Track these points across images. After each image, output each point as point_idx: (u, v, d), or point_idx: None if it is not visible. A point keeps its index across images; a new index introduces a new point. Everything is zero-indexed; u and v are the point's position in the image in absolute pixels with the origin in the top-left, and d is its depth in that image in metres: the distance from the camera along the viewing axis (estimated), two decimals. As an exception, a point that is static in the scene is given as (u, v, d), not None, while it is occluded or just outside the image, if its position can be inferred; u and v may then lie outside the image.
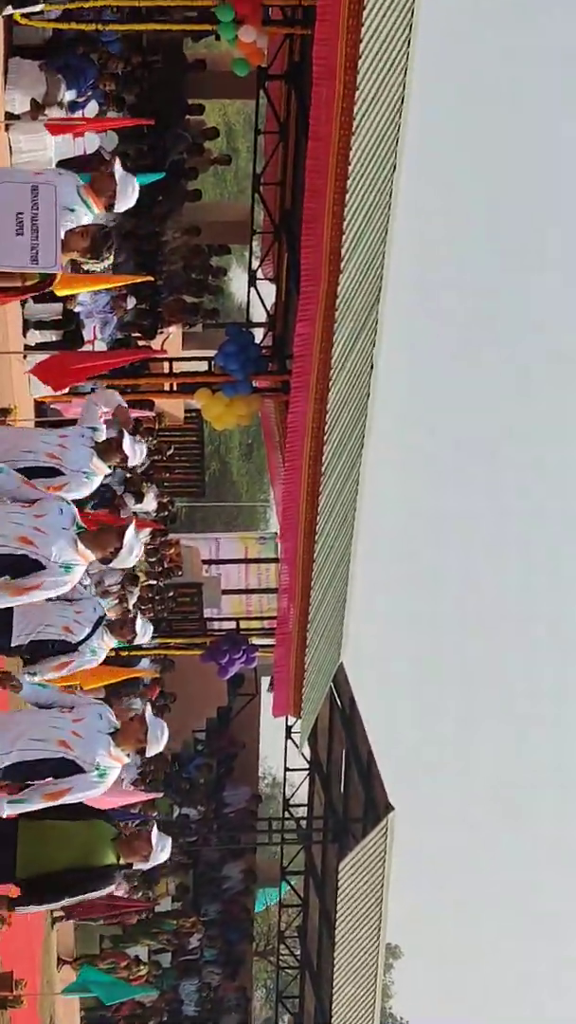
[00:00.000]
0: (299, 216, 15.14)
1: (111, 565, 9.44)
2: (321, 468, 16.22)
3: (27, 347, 17.25)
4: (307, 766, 27.45)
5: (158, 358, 18.67)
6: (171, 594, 25.83)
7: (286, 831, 28.55)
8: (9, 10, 15.51)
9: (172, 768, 29.38)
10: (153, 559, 24.56)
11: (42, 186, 8.24)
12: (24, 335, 17.44)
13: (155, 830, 9.26)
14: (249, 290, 20.12)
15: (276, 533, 28.60)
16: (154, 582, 24.53)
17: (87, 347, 18.41)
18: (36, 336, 18.06)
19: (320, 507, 16.61)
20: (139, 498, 22.38)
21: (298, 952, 29.83)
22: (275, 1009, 31.27)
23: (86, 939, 27.71)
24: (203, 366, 18.64)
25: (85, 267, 8.97)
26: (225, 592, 29.88)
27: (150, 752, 9.31)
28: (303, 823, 28.38)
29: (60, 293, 14.73)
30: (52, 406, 18.40)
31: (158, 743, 9.18)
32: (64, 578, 8.64)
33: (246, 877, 31.65)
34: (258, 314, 20.38)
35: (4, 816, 8.44)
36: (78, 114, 16.95)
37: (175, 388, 18.94)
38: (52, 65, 16.75)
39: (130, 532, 9.02)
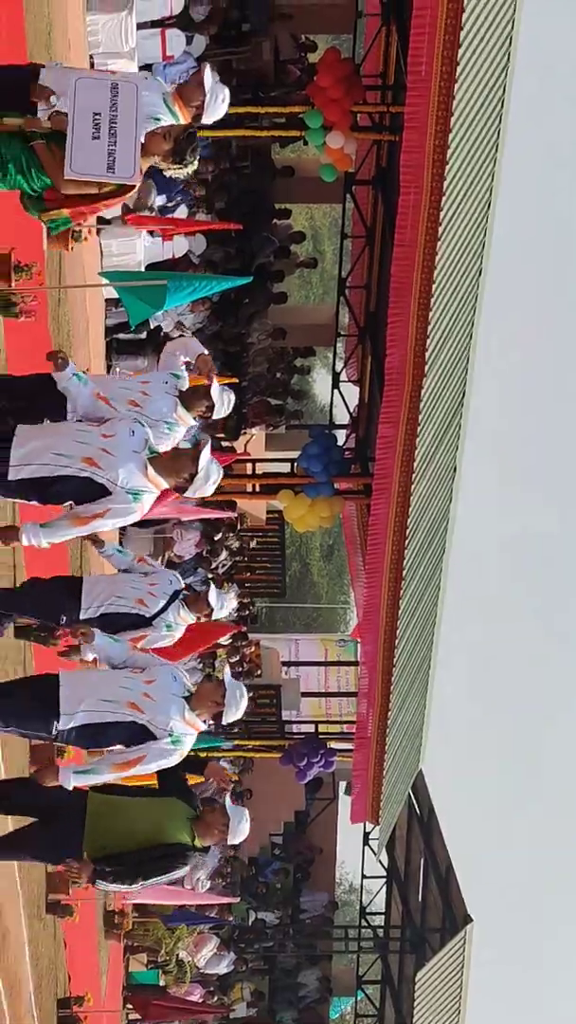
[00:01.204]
0: (384, 319, 15.16)
1: (186, 494, 8.25)
2: (402, 571, 16.11)
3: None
4: (384, 874, 27.07)
5: (241, 459, 18.71)
6: (250, 695, 25.69)
7: (363, 939, 28.13)
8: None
9: (249, 872, 29.16)
10: (233, 659, 24.51)
11: (122, 84, 7.38)
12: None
13: (228, 801, 8.45)
14: (333, 392, 20.17)
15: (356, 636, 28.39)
16: (233, 683, 24.38)
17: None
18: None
19: (401, 611, 16.47)
20: (220, 598, 22.34)
21: (374, 1063, 29.28)
22: None
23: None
24: (286, 467, 18.65)
25: (167, 172, 8.11)
26: (304, 694, 29.71)
27: (227, 718, 8.33)
28: (380, 931, 27.94)
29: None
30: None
31: (236, 707, 8.30)
32: (132, 506, 7.80)
33: (322, 985, 31.21)
34: (341, 416, 20.40)
35: (71, 788, 7.86)
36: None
37: (258, 489, 18.96)
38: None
39: (205, 455, 8.06)
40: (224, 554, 22.99)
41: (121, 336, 18.11)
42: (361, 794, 19.65)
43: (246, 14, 17.64)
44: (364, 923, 27.79)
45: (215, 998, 25.16)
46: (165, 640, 9.53)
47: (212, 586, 9.94)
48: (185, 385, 8.87)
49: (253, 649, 26.75)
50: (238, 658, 24.80)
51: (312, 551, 51.35)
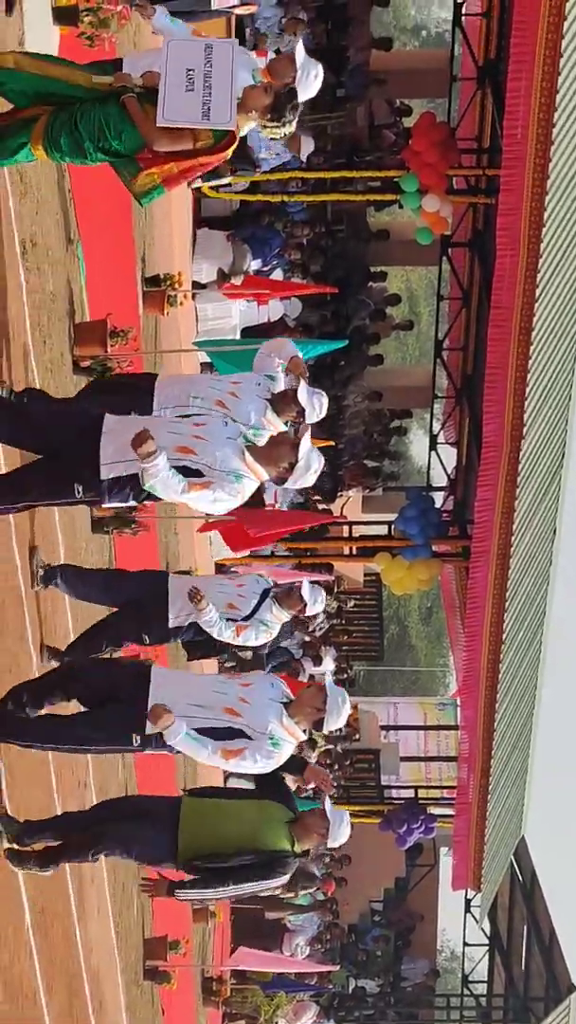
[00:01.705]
0: (481, 380, 15.11)
1: (286, 485, 7.82)
2: (502, 635, 15.96)
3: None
4: (487, 941, 26.72)
5: (338, 522, 18.67)
6: (348, 760, 25.55)
7: (465, 1008, 27.75)
8: (198, 183, 15.88)
9: (349, 939, 28.90)
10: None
11: (218, 44, 7.07)
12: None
13: (328, 803, 7.91)
14: (430, 454, 20.10)
15: (456, 699, 28.18)
16: (331, 747, 24.30)
17: (268, 510, 18.49)
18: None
19: (501, 675, 16.31)
20: (317, 661, 22.27)
21: None
22: None
23: None
24: (383, 530, 18.58)
25: (264, 132, 7.69)
26: (403, 759, 29.48)
27: (328, 726, 7.89)
28: (482, 1000, 27.57)
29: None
30: (232, 568, 18.46)
31: (338, 714, 7.82)
32: (235, 485, 7.30)
33: (424, 1053, 30.82)
34: (439, 478, 20.32)
35: (176, 740, 7.33)
36: (262, 284, 17.22)
37: (355, 552, 18.90)
38: (239, 235, 17.13)
39: (306, 443, 7.65)
40: (321, 617, 22.91)
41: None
42: (462, 860, 19.42)
43: (341, 79, 17.75)
44: (466, 991, 27.44)
45: (316, 1068, 24.87)
46: (263, 637, 9.24)
47: (305, 580, 9.49)
48: (278, 388, 8.48)
49: (351, 713, 26.59)
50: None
51: (410, 613, 51.12)
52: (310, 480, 7.89)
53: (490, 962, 27.11)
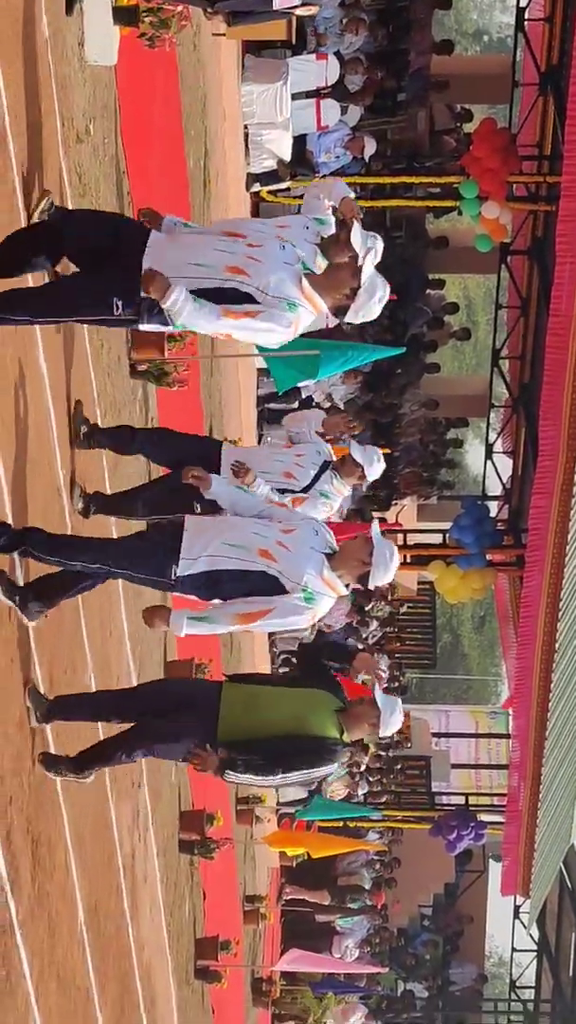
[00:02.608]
0: (538, 390, 15.11)
1: (347, 318, 7.01)
2: (555, 644, 15.94)
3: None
4: (535, 947, 26.70)
5: (393, 530, 18.71)
6: (399, 766, 25.57)
7: (512, 1012, 27.77)
8: (257, 187, 15.99)
9: (398, 942, 28.94)
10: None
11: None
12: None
13: (378, 691, 7.33)
14: (486, 463, 20.11)
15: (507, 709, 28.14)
16: (383, 753, 24.32)
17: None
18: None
19: (553, 684, 16.28)
20: (371, 668, 22.31)
21: None
22: None
23: None
24: (438, 538, 18.61)
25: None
26: (454, 766, 29.45)
27: (374, 581, 7.23)
28: (530, 1005, 27.54)
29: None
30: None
31: (386, 568, 7.22)
32: (287, 315, 6.58)
33: (472, 1058, 30.83)
34: (494, 487, 20.32)
35: (182, 634, 6.95)
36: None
37: (409, 560, 18.91)
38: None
39: (369, 268, 6.96)
40: (374, 624, 22.95)
41: (272, 406, 18.25)
42: (512, 867, 19.41)
43: (401, 84, 17.77)
44: (514, 996, 27.43)
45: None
46: (323, 509, 8.54)
47: (353, 441, 8.76)
48: (329, 232, 7.55)
49: (403, 720, 26.61)
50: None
51: (463, 622, 51.02)
52: (374, 311, 7.13)
53: (538, 968, 27.09)
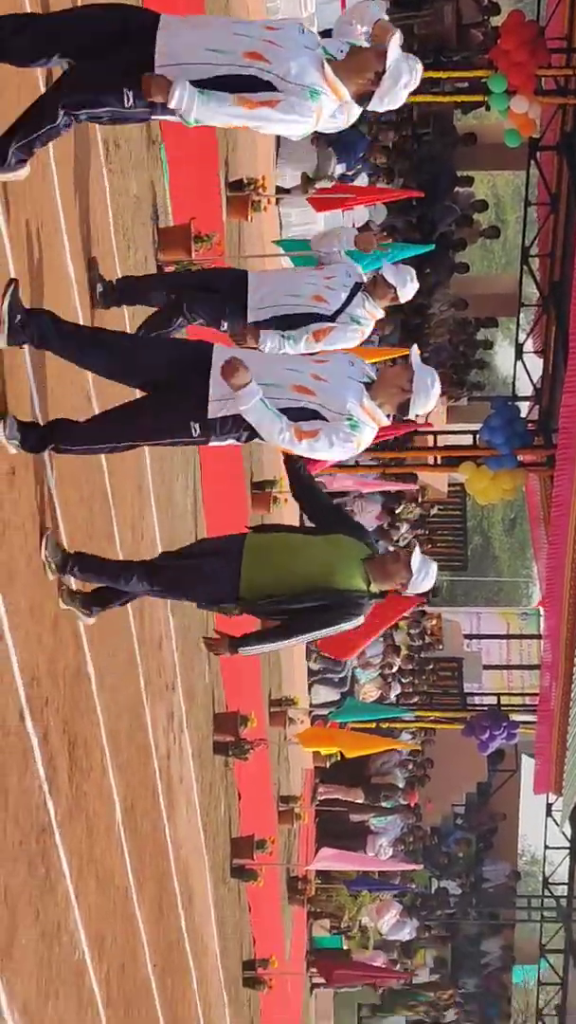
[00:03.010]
0: (569, 287, 14.98)
1: (371, 105, 6.48)
2: (587, 543, 15.93)
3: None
4: (568, 844, 26.88)
5: (423, 431, 18.64)
6: (431, 667, 25.70)
7: (545, 908, 28.01)
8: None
9: (431, 841, 29.23)
10: (414, 631, 24.49)
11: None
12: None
13: (417, 552, 6.95)
14: (516, 363, 19.97)
15: (539, 609, 28.20)
16: (415, 655, 24.43)
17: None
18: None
19: (585, 583, 16.30)
20: (401, 570, 22.35)
21: (556, 1031, 29.25)
22: None
23: (344, 1007, 27.68)
24: (468, 440, 18.54)
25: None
26: (486, 667, 29.62)
27: (415, 409, 6.90)
28: (563, 901, 27.79)
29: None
30: (317, 479, 18.49)
31: (427, 395, 6.91)
32: (309, 103, 6.18)
33: (504, 953, 31.22)
34: (524, 387, 20.20)
35: (246, 406, 6.41)
36: (348, 188, 17.08)
37: (439, 461, 18.88)
38: (323, 139, 16.99)
39: (395, 51, 6.51)
40: (405, 527, 22.97)
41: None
42: (544, 765, 19.52)
43: (428, -23, 17.53)
44: (547, 892, 27.67)
45: (398, 964, 25.31)
46: (353, 336, 8.10)
47: (385, 263, 8.20)
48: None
49: (435, 622, 26.71)
50: (419, 630, 24.79)
51: (494, 524, 51.03)
52: (400, 97, 6.54)
53: (571, 865, 27.25)
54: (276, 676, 18.63)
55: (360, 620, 6.92)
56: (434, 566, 6.98)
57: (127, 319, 8.75)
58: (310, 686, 21.37)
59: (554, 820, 25.30)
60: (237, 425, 6.57)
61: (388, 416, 6.94)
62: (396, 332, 19.16)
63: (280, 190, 16.67)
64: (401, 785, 23.98)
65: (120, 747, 8.14)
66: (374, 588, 6.87)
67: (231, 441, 6.74)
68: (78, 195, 7.64)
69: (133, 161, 9.45)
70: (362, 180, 17.93)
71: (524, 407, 18.96)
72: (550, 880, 27.70)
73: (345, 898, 21.72)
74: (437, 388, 6.97)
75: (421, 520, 24.23)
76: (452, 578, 41.34)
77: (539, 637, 24.44)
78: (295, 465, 7.23)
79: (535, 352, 19.97)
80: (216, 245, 10.98)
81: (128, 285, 8.28)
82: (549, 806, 24.92)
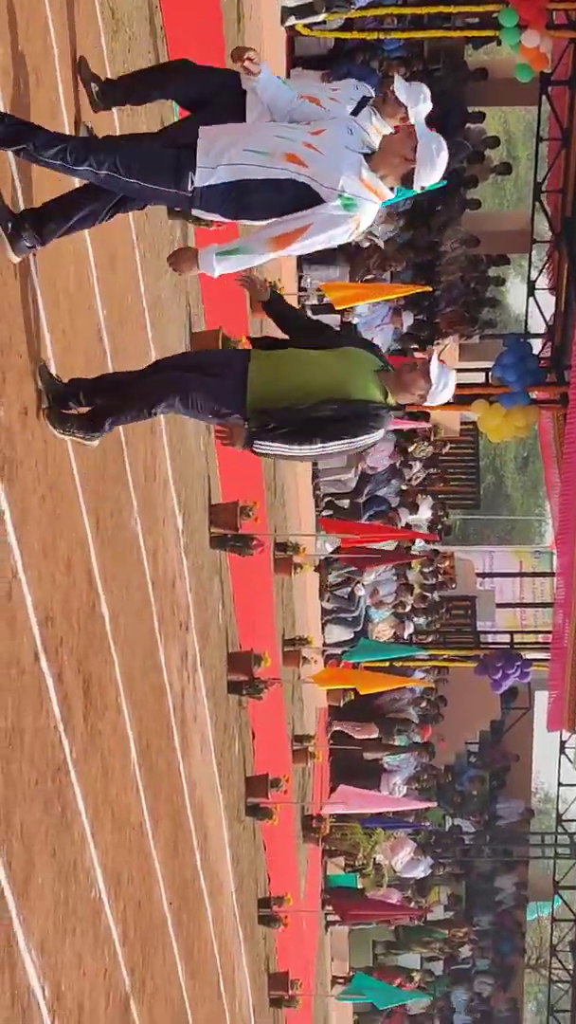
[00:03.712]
0: (580, 224, 14.88)
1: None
2: (600, 480, 15.92)
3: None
4: (581, 782, 27.05)
5: (435, 368, 18.56)
6: (445, 607, 25.73)
7: (559, 845, 28.19)
8: (292, 21, 15.66)
9: (445, 779, 29.38)
10: (427, 570, 24.50)
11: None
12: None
13: (434, 359, 6.60)
14: (528, 300, 19.86)
15: (551, 550, 28.20)
16: (428, 594, 24.45)
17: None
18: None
19: (598, 520, 16.30)
20: (413, 509, 22.36)
21: (570, 966, 29.50)
22: (546, 1022, 31.00)
23: (359, 944, 27.91)
24: (480, 377, 18.47)
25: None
26: (499, 605, 29.65)
27: (420, 180, 6.37)
28: (576, 838, 28.03)
29: (339, 306, 14.88)
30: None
31: (432, 165, 6.37)
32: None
33: (518, 890, 31.45)
34: (537, 325, 20.08)
35: (215, 275, 6.28)
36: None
37: (451, 400, 18.80)
38: (334, 74, 16.85)
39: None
40: (418, 466, 22.94)
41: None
42: (557, 703, 19.56)
43: None
44: (561, 829, 27.85)
45: (412, 902, 25.50)
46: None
47: (396, 78, 7.22)
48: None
49: (448, 561, 26.73)
50: (432, 569, 24.81)
51: (506, 463, 50.96)
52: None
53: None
54: (289, 616, 18.68)
55: (380, 434, 6.61)
56: (453, 375, 6.66)
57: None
58: (323, 625, 21.40)
59: (567, 757, 25.45)
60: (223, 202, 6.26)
61: (391, 189, 6.46)
62: (408, 271, 19.05)
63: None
64: (415, 721, 24.09)
65: (134, 686, 8.17)
66: (391, 400, 6.55)
67: (217, 217, 6.38)
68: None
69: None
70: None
71: (536, 344, 18.87)
72: (564, 817, 27.89)
73: (359, 836, 21.84)
74: (444, 157, 6.43)
75: (433, 458, 24.20)
76: (465, 516, 41.35)
77: (552, 575, 24.45)
78: (273, 304, 6.79)
79: (547, 289, 19.84)
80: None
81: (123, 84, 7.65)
82: (563, 743, 25.06)
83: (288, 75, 16.78)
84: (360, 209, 6.29)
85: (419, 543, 22.71)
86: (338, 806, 18.18)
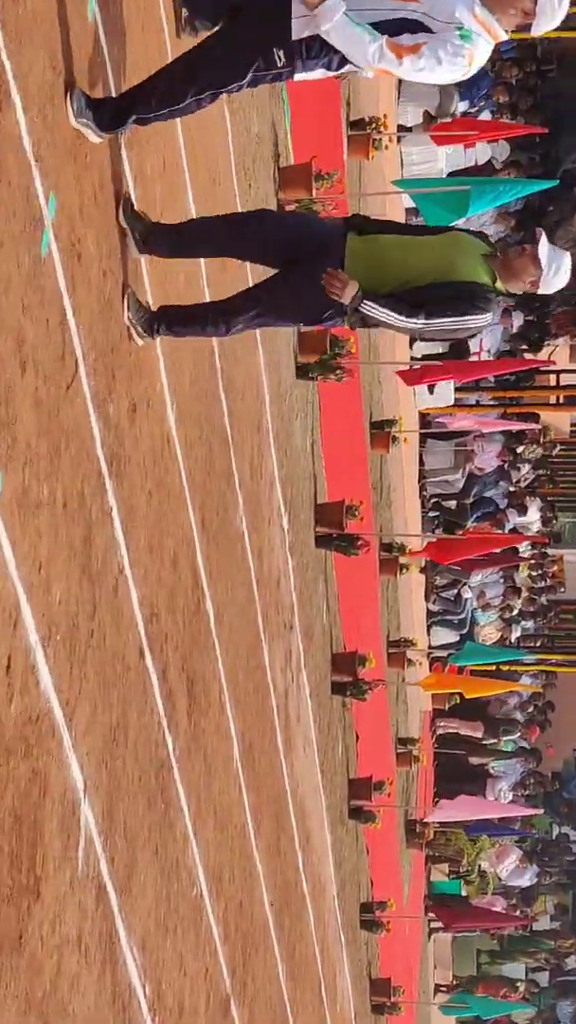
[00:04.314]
0: None
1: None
2: None
3: (414, 359, 17.28)
4: None
5: (545, 370, 18.43)
6: (553, 611, 25.51)
7: None
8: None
9: (552, 786, 29.10)
10: (535, 574, 24.31)
11: None
12: (411, 347, 17.49)
13: (543, 241, 6.19)
14: None
15: None
16: (536, 597, 24.25)
17: (473, 359, 18.33)
18: (423, 348, 18.09)
19: None
20: (522, 511, 22.19)
21: None
22: None
23: (463, 952, 27.73)
24: (591, 378, 18.32)
25: None
26: (610, 608, 29.29)
27: (539, 27, 5.88)
28: None
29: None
30: (436, 419, 18.39)
31: (552, 17, 5.78)
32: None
33: (627, 902, 31.10)
34: None
35: (323, 28, 5.53)
36: (470, 124, 16.86)
37: (561, 400, 18.66)
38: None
39: None
40: (526, 467, 22.76)
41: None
42: None
43: None
44: None
45: (517, 910, 25.29)
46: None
47: None
48: None
49: (556, 565, 26.51)
50: (540, 573, 24.61)
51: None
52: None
53: None
54: (394, 617, 18.59)
55: (487, 319, 6.21)
56: (567, 258, 6.26)
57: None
58: (429, 627, 21.29)
59: None
60: (326, 48, 5.68)
61: (506, 31, 5.93)
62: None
63: (402, 128, 16.48)
64: (522, 722, 23.90)
65: (238, 685, 8.15)
66: (500, 286, 6.18)
67: (321, 70, 5.84)
68: (199, 135, 7.58)
69: (255, 102, 9.38)
70: (485, 117, 17.67)
71: None
72: None
73: (464, 843, 21.69)
74: (563, 11, 5.87)
75: (543, 460, 24.00)
76: (574, 519, 40.93)
77: None
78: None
79: None
80: (337, 183, 10.89)
81: None
82: None
83: (400, 78, 16.73)
84: (476, 45, 5.79)
85: (527, 545, 22.53)
86: (443, 813, 18.04)
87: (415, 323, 6.04)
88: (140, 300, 6.10)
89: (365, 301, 5.89)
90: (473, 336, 6.22)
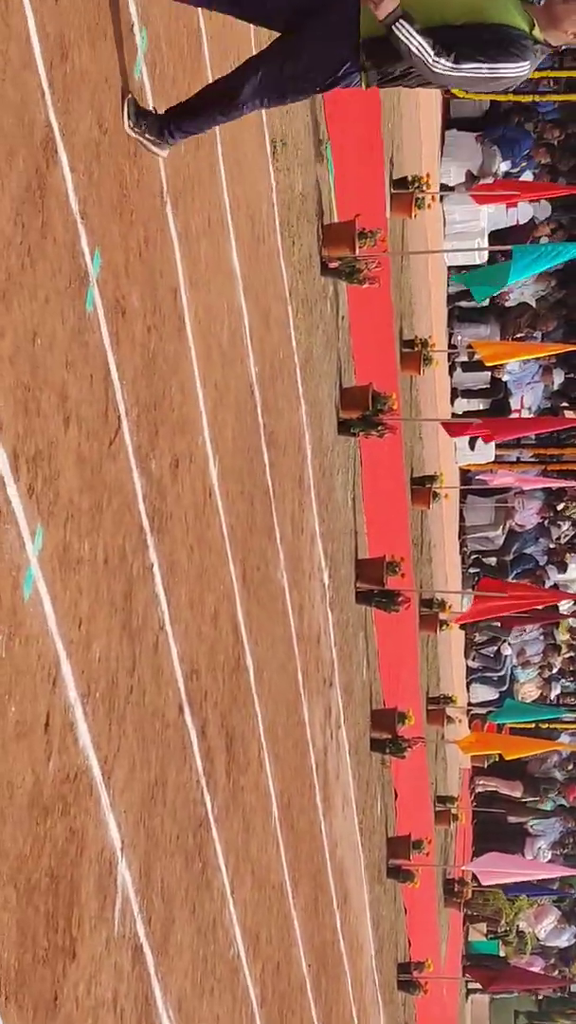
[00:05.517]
0: None
1: None
2: None
3: (455, 415, 17.29)
4: None
5: (585, 427, 18.39)
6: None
7: None
8: (447, 85, 15.67)
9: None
10: None
11: None
12: (452, 403, 17.49)
13: None
14: None
15: None
16: (576, 654, 24.09)
17: (514, 416, 18.33)
18: (464, 404, 18.10)
19: None
20: (562, 568, 22.08)
21: None
22: None
23: (501, 1013, 27.46)
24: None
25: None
26: None
27: None
28: None
29: (489, 363, 14.79)
30: (477, 476, 18.37)
31: None
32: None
33: None
34: None
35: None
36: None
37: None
38: (488, 136, 16.86)
39: None
40: (566, 524, 22.65)
41: (463, 304, 18.01)
42: None
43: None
44: None
45: (556, 970, 24.99)
46: None
47: None
48: None
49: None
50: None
51: None
52: None
53: None
54: (434, 674, 18.50)
55: (523, 69, 5.52)
56: None
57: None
58: (468, 684, 21.17)
59: None
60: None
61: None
62: (559, 330, 18.89)
63: (444, 187, 16.55)
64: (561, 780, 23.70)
65: (277, 742, 8.10)
66: (538, 34, 5.48)
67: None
68: (244, 193, 7.61)
69: (300, 159, 9.42)
70: (526, 177, 17.72)
71: None
72: None
73: (502, 902, 21.49)
74: None
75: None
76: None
77: None
78: None
79: None
80: (380, 241, 10.92)
81: None
82: None
83: (443, 138, 16.84)
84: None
85: (567, 603, 22.40)
86: (483, 868, 17.87)
87: (443, 65, 5.38)
88: (141, 106, 5.64)
89: (401, 20, 5.26)
90: (507, 90, 5.63)
